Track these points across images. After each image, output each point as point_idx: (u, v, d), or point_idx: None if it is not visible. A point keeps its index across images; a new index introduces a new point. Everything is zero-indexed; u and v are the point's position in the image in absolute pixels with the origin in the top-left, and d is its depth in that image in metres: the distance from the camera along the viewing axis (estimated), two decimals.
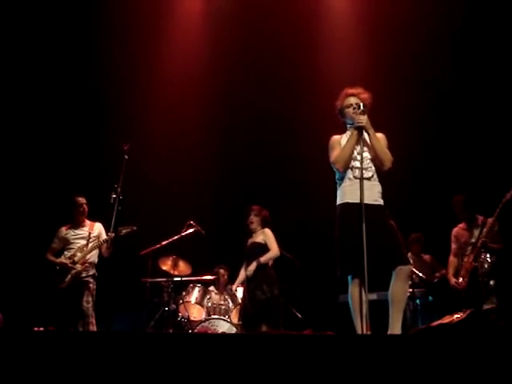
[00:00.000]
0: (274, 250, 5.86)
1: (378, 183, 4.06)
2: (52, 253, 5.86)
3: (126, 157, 5.14)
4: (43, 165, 7.51)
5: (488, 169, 6.94)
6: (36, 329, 3.82)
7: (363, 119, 4.01)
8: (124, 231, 5.65)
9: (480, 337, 2.59)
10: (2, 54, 7.19)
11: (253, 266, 5.76)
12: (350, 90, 4.19)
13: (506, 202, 5.72)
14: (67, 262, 5.70)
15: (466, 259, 6.01)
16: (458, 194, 6.25)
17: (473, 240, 6.02)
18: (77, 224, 5.93)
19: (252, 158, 7.89)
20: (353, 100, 4.13)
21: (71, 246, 5.82)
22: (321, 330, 3.85)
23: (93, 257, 5.83)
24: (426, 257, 6.90)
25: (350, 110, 4.11)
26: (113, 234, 5.44)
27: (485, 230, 5.92)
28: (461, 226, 6.27)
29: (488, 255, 5.80)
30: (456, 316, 3.25)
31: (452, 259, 6.24)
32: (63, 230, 5.94)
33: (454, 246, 6.26)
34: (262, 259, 5.80)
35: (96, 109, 7.70)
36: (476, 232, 6.05)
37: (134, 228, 5.77)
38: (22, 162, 7.44)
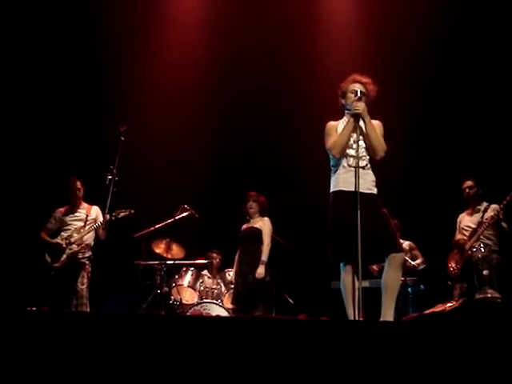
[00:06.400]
0: (266, 244, 5.89)
1: (372, 172, 4.06)
2: (47, 232, 5.84)
3: (123, 138, 5.11)
4: (40, 146, 7.44)
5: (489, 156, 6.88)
6: (29, 308, 3.82)
7: (360, 106, 3.99)
8: (122, 214, 5.64)
9: (472, 326, 2.61)
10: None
11: (262, 269, 5.74)
12: (358, 77, 4.15)
13: None
14: (62, 242, 5.69)
15: (466, 246, 5.70)
16: (468, 177, 5.91)
17: (472, 225, 5.77)
18: (74, 206, 5.90)
19: (247, 144, 7.90)
20: (357, 86, 4.09)
21: (68, 228, 5.80)
22: (313, 316, 3.87)
23: (89, 239, 5.82)
24: (405, 244, 6.50)
25: (353, 95, 4.09)
26: (108, 216, 5.40)
27: (488, 216, 5.61)
28: (468, 211, 5.96)
29: (482, 244, 5.36)
30: (448, 305, 3.27)
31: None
32: (60, 212, 5.92)
33: (456, 231, 5.99)
34: (264, 258, 5.81)
35: (93, 90, 7.63)
36: (476, 217, 5.77)
37: (132, 211, 5.76)
38: (19, 142, 7.36)
